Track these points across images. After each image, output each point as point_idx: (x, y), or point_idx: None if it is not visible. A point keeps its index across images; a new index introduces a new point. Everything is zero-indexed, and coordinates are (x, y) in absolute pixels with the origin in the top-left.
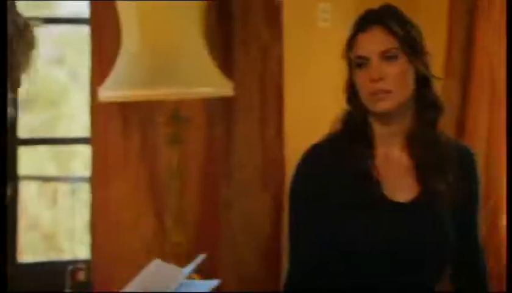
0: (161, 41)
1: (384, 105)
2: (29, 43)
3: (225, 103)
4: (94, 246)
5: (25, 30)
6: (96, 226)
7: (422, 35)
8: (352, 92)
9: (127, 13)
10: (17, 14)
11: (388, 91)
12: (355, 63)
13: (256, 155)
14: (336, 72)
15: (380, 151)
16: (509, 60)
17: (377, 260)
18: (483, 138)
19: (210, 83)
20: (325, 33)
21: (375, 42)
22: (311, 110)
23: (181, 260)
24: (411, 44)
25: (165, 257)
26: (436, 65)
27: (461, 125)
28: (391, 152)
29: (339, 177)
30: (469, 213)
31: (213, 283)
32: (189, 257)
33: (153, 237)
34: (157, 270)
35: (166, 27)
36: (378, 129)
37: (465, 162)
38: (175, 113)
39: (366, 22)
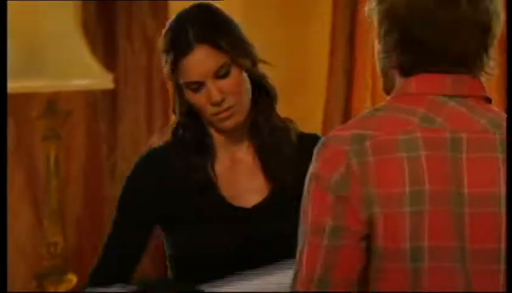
0: (32, 32)
1: (230, 123)
2: None
3: (108, 96)
4: None
5: None
6: None
7: (238, 26)
8: (184, 107)
9: None
10: None
11: (230, 107)
12: (188, 87)
13: (141, 149)
14: None
15: (223, 155)
16: (509, 59)
17: (222, 271)
18: None
19: (87, 75)
20: None
21: (206, 64)
22: None
23: (56, 261)
24: (239, 51)
25: (40, 258)
26: (323, 58)
27: (346, 116)
28: (237, 153)
29: (172, 190)
30: None
31: None
32: (66, 258)
33: (29, 236)
34: None
35: (37, 17)
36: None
37: (306, 146)
38: (51, 106)
39: (187, 43)
